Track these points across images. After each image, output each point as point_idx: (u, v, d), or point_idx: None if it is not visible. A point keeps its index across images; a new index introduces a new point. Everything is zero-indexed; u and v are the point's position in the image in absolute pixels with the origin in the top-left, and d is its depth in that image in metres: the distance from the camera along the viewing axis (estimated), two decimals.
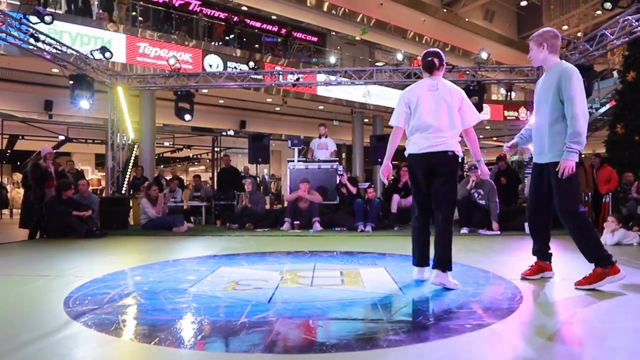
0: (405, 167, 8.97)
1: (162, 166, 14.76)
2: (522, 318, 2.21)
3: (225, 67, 12.69)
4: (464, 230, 6.55)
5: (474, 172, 6.54)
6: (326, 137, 8.78)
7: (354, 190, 7.86)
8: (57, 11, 10.65)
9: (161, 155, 18.50)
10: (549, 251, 3.28)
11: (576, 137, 2.73)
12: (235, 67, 12.77)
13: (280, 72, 9.58)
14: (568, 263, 4.19)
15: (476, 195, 6.61)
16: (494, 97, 21.78)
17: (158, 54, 11.71)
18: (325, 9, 18.96)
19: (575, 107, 2.74)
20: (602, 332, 2.04)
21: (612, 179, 7.14)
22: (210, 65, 12.51)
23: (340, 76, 9.03)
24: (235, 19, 15.22)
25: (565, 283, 3.16)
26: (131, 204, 8.63)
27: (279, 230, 7.07)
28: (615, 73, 15.36)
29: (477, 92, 8.56)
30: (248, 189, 7.73)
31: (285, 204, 8.09)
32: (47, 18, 6.55)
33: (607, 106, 14.77)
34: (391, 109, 15.88)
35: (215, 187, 10.77)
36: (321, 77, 9.63)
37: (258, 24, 18.41)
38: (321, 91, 14.71)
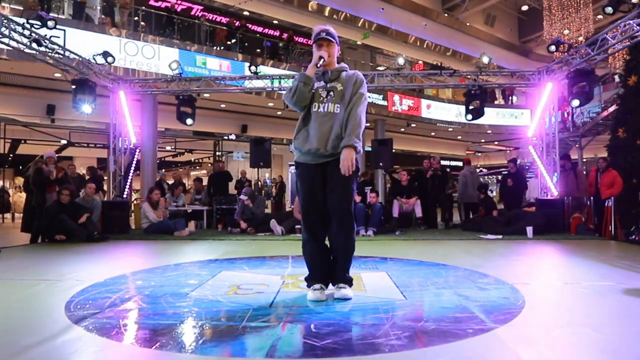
0: (405, 170, 8.97)
1: (163, 170, 14.76)
2: (525, 323, 2.20)
3: None
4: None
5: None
6: None
7: (357, 198, 7.84)
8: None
9: (163, 159, 18.54)
10: None
11: None
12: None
13: (282, 77, 9.60)
14: (571, 267, 4.18)
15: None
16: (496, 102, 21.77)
17: None
18: (326, 14, 19.03)
19: None
20: (605, 337, 2.03)
21: (615, 184, 7.10)
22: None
23: None
24: (237, 23, 15.27)
25: (568, 287, 3.15)
26: (132, 208, 8.63)
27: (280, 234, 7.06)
28: (616, 77, 15.37)
29: (478, 97, 8.56)
30: (247, 202, 7.70)
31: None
32: (50, 23, 6.59)
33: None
34: (392, 114, 15.63)
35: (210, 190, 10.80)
36: None
37: (260, 29, 18.50)
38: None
